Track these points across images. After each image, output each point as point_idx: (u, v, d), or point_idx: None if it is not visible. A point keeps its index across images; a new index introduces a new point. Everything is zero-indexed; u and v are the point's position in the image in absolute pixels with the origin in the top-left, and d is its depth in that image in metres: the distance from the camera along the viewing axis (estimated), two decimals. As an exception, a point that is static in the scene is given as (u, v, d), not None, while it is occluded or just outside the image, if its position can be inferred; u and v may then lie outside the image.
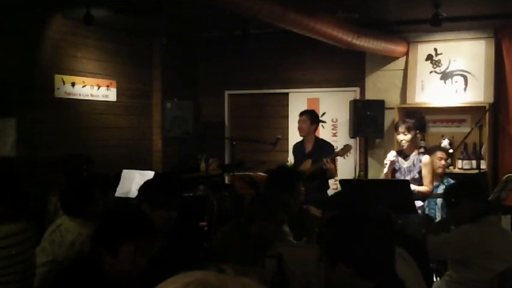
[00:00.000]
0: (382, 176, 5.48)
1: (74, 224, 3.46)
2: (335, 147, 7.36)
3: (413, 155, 5.36)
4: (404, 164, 5.35)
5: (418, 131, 5.43)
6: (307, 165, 5.68)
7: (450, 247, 3.54)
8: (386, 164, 5.37)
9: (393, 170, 5.35)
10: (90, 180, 3.84)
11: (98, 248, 2.38)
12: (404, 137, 5.33)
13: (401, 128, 5.35)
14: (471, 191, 3.66)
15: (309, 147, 5.98)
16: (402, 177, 5.24)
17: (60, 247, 3.43)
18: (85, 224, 3.45)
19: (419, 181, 5.26)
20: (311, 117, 6.05)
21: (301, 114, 6.17)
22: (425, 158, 5.36)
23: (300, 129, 6.07)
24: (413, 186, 5.05)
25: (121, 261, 2.34)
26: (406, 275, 2.23)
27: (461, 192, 3.69)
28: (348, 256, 1.97)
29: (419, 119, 5.49)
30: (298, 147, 6.15)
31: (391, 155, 5.41)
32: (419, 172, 5.27)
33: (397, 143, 5.62)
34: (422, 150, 5.73)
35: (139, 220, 2.46)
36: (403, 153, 5.38)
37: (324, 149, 5.92)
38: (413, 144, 5.45)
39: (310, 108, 6.64)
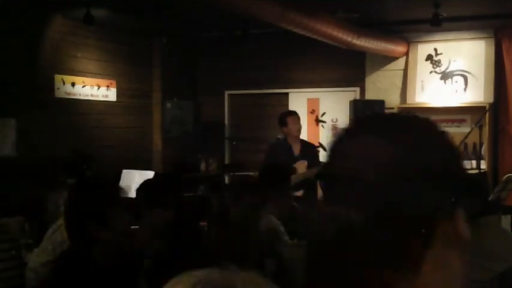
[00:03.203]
0: None
1: None
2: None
3: None
4: None
5: None
6: (301, 167, 5.47)
7: None
8: None
9: None
10: (95, 180, 3.84)
11: (86, 230, 2.37)
12: None
13: None
14: (471, 191, 3.66)
15: (296, 148, 5.71)
16: None
17: (61, 247, 3.43)
18: None
19: None
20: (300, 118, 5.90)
21: (294, 113, 5.88)
22: None
23: (299, 128, 5.77)
24: None
25: (113, 231, 2.37)
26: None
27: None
28: None
29: None
30: (282, 148, 5.76)
31: None
32: None
33: None
34: None
35: (114, 187, 2.62)
36: None
37: (313, 151, 5.84)
38: None
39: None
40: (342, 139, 0.90)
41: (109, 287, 2.37)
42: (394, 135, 0.82)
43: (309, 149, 5.81)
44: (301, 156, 5.65)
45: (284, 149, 5.74)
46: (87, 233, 2.36)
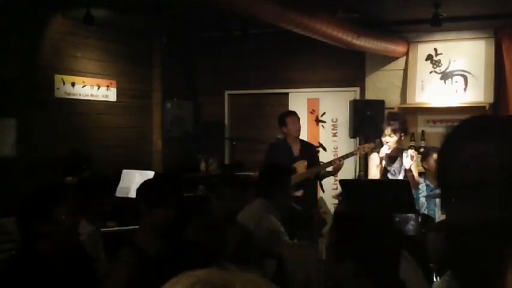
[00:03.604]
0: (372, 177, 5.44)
1: None
2: (335, 147, 7.38)
3: (399, 157, 5.37)
4: (393, 166, 5.36)
5: (402, 134, 5.43)
6: (301, 167, 5.50)
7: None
8: (380, 159, 5.35)
9: (385, 170, 5.33)
10: (95, 180, 3.86)
11: (32, 224, 2.49)
12: (390, 139, 5.31)
13: (388, 131, 5.32)
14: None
15: (296, 149, 5.74)
16: (394, 178, 5.25)
17: None
18: (83, 225, 3.47)
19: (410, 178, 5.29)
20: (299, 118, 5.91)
21: (294, 114, 5.89)
22: (411, 151, 5.42)
23: (299, 128, 5.79)
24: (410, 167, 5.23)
25: (58, 224, 2.50)
26: (407, 274, 2.23)
27: None
28: (355, 253, 1.97)
29: (402, 122, 5.48)
30: (281, 148, 5.78)
31: (378, 159, 5.39)
32: (410, 168, 5.28)
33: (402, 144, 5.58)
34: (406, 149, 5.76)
35: (62, 185, 2.72)
36: (390, 156, 5.37)
37: (312, 151, 5.85)
38: (399, 148, 5.41)
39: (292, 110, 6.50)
40: (457, 145, 1.00)
41: (58, 277, 2.47)
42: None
43: (309, 149, 5.81)
44: (301, 157, 5.66)
45: (283, 149, 5.74)
46: (33, 228, 2.49)
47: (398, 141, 5.38)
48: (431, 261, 4.04)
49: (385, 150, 5.31)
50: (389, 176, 5.30)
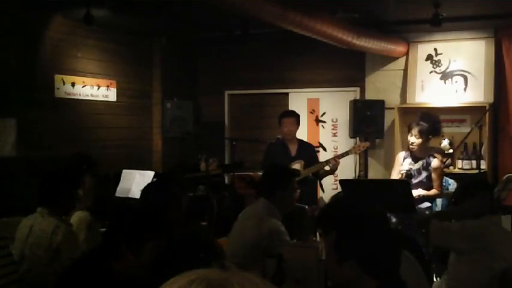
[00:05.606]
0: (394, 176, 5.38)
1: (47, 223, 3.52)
2: (335, 147, 7.38)
3: (424, 159, 5.24)
4: (414, 166, 5.27)
5: (431, 136, 5.26)
6: (297, 167, 5.48)
7: (453, 235, 3.54)
8: (402, 172, 5.24)
9: (408, 170, 5.25)
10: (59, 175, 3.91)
11: (121, 248, 2.42)
12: (415, 140, 5.16)
13: (414, 131, 5.18)
14: (480, 190, 3.69)
15: (293, 149, 5.74)
16: (412, 180, 5.16)
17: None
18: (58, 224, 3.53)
19: (426, 184, 5.17)
20: (297, 119, 5.86)
21: (288, 115, 5.87)
22: (435, 162, 5.22)
23: (288, 132, 5.77)
24: (420, 191, 5.07)
25: (143, 259, 2.43)
26: (407, 274, 2.23)
27: (472, 189, 3.71)
28: (358, 253, 1.97)
29: (435, 123, 5.27)
30: (279, 149, 5.80)
31: (402, 157, 5.31)
32: (428, 176, 5.17)
33: (406, 144, 5.47)
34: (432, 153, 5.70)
35: (159, 219, 2.57)
36: (414, 156, 5.28)
37: (310, 151, 5.85)
38: (425, 149, 5.27)
39: (292, 109, 6.50)
40: None
41: None
42: None
43: (306, 149, 5.82)
44: (298, 157, 5.67)
45: (281, 149, 5.76)
46: (118, 250, 2.43)
47: (424, 143, 5.22)
48: (431, 261, 4.04)
49: (401, 159, 5.23)
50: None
